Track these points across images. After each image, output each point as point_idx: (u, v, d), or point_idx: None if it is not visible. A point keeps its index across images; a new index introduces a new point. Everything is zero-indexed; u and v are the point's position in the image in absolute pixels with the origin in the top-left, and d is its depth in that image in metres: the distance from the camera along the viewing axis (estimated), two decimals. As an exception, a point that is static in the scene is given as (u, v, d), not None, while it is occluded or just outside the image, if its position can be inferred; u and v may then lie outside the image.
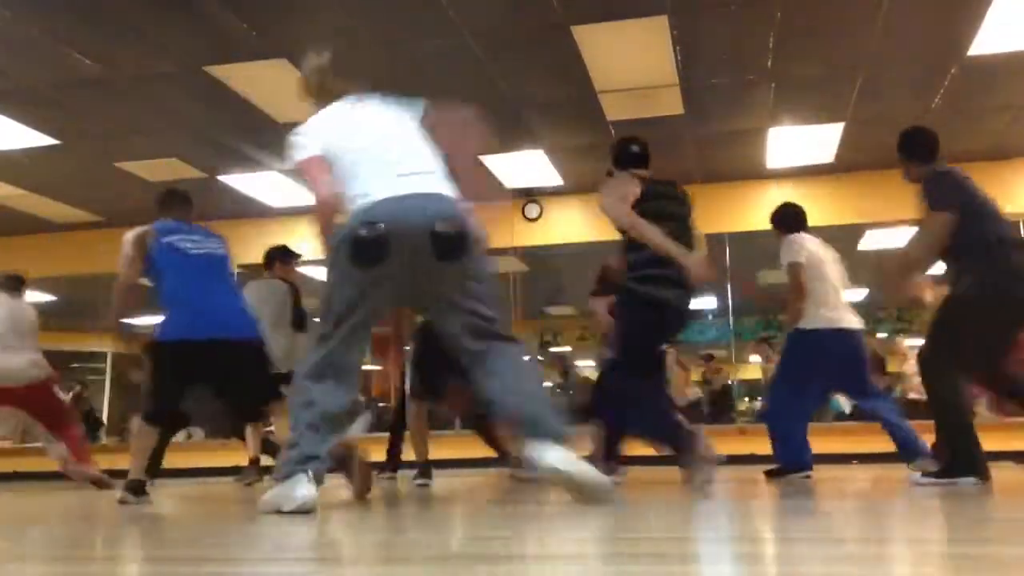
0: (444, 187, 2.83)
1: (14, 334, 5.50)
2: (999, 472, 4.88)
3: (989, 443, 4.74)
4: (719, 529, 2.07)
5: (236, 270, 9.48)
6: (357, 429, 3.91)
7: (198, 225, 4.19)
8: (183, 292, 3.91)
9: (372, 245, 2.66)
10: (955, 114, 6.74)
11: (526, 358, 2.95)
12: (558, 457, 2.60)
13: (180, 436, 11.28)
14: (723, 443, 5.57)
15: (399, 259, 2.68)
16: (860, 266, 5.19)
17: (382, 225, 2.66)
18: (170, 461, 8.57)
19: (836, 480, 4.34)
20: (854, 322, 4.59)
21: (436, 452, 7.39)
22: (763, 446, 6.69)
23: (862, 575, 1.33)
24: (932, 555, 1.55)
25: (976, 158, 7.67)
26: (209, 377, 3.95)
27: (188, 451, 9.50)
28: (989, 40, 5.56)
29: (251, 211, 8.80)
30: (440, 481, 5.31)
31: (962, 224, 3.57)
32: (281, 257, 5.99)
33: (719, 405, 10.02)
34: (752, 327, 11.24)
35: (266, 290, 5.72)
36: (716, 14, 5.24)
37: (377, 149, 2.88)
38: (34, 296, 9.90)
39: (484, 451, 6.11)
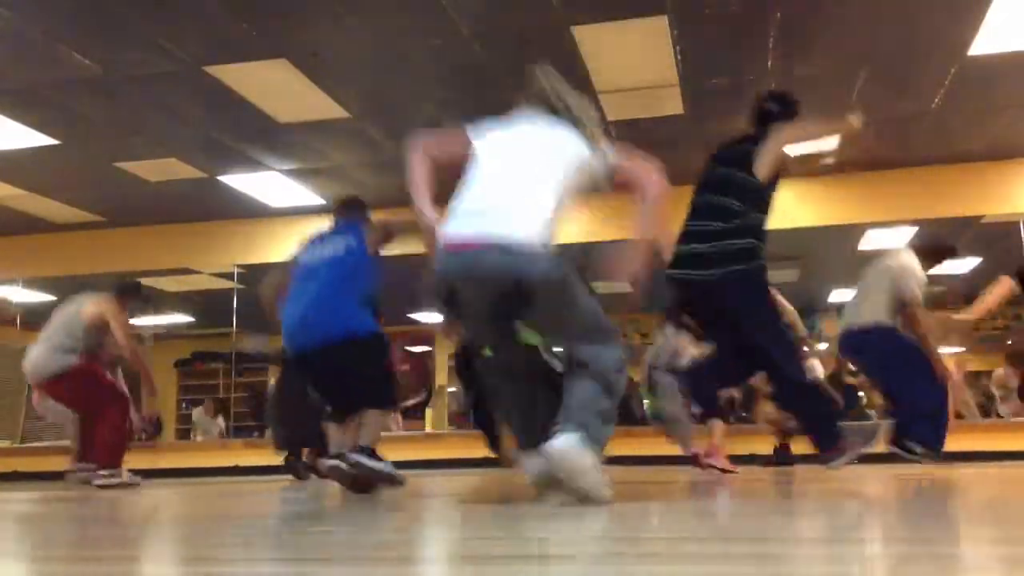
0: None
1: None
2: (992, 471, 4.89)
3: (983, 443, 4.74)
4: (719, 529, 2.07)
5: (237, 270, 9.53)
6: None
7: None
8: None
9: None
10: (955, 114, 6.74)
11: None
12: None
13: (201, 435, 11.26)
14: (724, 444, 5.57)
15: None
16: (860, 266, 5.18)
17: None
18: (168, 461, 8.59)
19: (837, 480, 4.34)
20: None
21: (436, 452, 7.41)
22: (761, 446, 6.71)
23: (862, 575, 1.33)
24: (931, 555, 1.55)
25: (976, 158, 7.68)
26: None
27: (190, 451, 9.51)
28: (989, 40, 5.56)
29: (251, 211, 8.80)
30: (439, 481, 5.31)
31: None
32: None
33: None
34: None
35: None
36: (716, 15, 5.24)
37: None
38: (34, 296, 9.92)
39: (483, 452, 6.11)
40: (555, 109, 3.04)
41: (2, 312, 3.83)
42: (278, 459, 6.64)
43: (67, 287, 6.24)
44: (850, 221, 8.21)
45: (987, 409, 9.21)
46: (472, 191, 2.91)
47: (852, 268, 4.96)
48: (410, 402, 9.88)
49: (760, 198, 3.88)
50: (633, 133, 7.11)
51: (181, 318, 12.19)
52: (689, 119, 6.81)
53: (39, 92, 6.02)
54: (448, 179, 3.01)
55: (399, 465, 6.90)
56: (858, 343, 4.79)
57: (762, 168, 3.87)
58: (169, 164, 7.55)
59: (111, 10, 4.98)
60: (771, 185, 3.91)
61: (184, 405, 12.71)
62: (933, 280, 4.77)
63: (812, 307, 9.76)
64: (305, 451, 6.37)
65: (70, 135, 6.82)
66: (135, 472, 5.88)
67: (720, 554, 1.62)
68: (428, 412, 11.00)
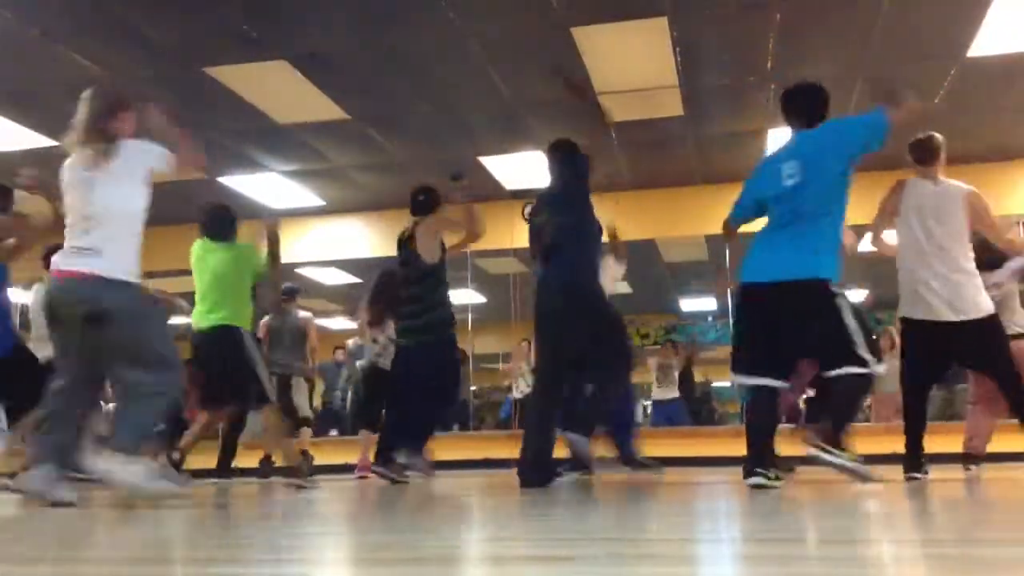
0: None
1: None
2: (991, 472, 4.88)
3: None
4: (719, 529, 2.07)
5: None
6: None
7: None
8: None
9: None
10: (955, 115, 6.73)
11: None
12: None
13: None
14: (722, 444, 5.57)
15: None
16: (861, 267, 5.18)
17: None
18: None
19: (836, 481, 4.34)
20: None
21: (435, 453, 7.40)
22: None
23: (861, 575, 1.33)
24: (929, 556, 1.55)
25: (976, 159, 7.67)
26: None
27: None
28: (989, 40, 5.56)
29: (250, 212, 8.77)
30: (439, 482, 5.30)
31: None
32: None
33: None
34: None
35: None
36: (716, 15, 5.24)
37: None
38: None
39: (485, 452, 6.16)
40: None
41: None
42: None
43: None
44: (851, 222, 8.17)
45: None
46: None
47: (853, 268, 4.95)
48: None
49: None
50: (633, 133, 7.12)
51: (181, 319, 12.17)
52: (689, 119, 6.81)
53: (39, 92, 6.02)
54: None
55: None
56: None
57: None
58: (169, 165, 7.54)
59: (111, 10, 4.98)
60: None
61: (183, 407, 12.67)
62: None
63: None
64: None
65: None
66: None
67: (718, 555, 1.62)
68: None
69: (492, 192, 8.37)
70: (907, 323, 4.19)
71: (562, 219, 4.19)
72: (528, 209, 4.44)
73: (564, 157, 4.40)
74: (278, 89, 6.08)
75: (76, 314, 3.21)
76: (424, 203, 4.96)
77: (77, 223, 3.29)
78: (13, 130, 6.59)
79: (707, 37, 5.53)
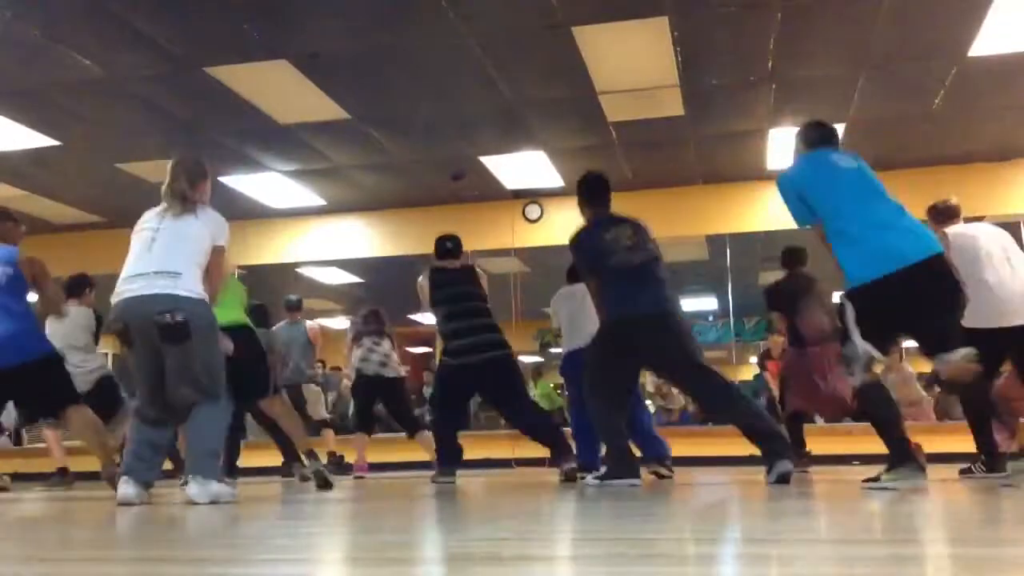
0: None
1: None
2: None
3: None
4: (719, 529, 2.07)
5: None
6: None
7: None
8: None
9: None
10: (955, 115, 6.73)
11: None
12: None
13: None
14: (722, 444, 5.57)
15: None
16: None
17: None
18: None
19: (836, 481, 4.34)
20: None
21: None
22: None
23: (860, 575, 1.33)
24: (930, 556, 1.55)
25: (976, 159, 7.67)
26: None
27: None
28: (989, 40, 5.55)
29: (251, 212, 8.78)
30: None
31: None
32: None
33: None
34: (753, 328, 11.23)
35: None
36: (717, 15, 5.23)
37: None
38: (33, 297, 9.89)
39: (484, 452, 6.17)
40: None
41: None
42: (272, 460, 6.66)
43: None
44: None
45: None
46: None
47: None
48: None
49: None
50: (633, 133, 7.11)
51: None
52: (689, 119, 6.81)
53: (39, 92, 6.02)
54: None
55: (397, 466, 6.92)
56: None
57: None
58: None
59: (111, 11, 4.97)
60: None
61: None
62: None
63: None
64: None
65: (70, 135, 6.81)
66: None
67: (719, 555, 1.62)
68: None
69: (492, 192, 8.36)
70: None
71: (655, 255, 4.26)
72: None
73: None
74: (278, 89, 6.07)
75: (149, 326, 3.36)
76: (455, 250, 5.32)
77: (142, 262, 3.54)
78: (15, 130, 6.59)
79: (708, 37, 5.53)
